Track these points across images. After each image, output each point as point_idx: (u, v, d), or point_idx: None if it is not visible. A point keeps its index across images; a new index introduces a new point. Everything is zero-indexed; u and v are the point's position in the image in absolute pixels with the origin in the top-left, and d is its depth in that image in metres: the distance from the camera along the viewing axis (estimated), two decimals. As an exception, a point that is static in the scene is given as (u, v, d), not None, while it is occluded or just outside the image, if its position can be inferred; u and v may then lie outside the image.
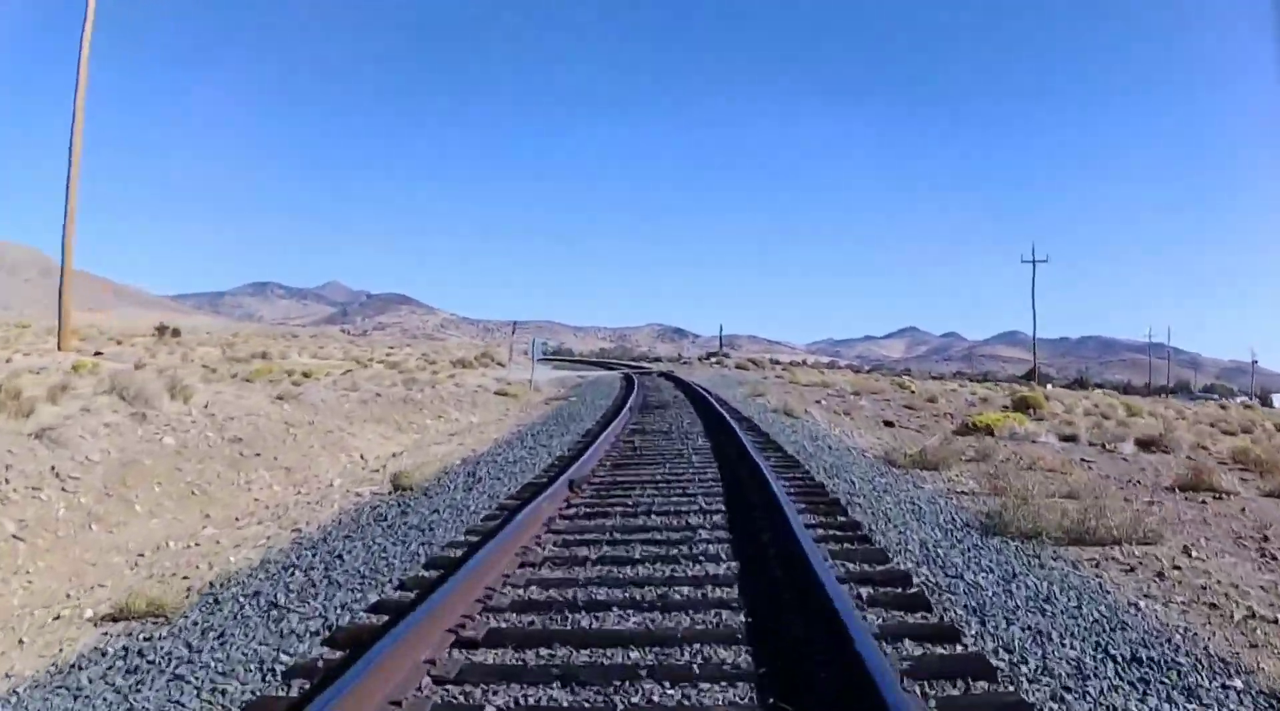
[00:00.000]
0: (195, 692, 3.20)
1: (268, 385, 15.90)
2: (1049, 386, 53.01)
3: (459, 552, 4.74)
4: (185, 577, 6.03)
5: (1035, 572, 5.09)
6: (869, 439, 14.66)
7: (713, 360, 62.27)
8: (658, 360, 77.91)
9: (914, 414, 22.55)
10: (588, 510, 5.83)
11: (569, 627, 3.43)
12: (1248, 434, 23.00)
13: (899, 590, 3.95)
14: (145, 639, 4.23)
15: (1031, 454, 13.03)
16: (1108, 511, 6.84)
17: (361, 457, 11.59)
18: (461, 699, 2.89)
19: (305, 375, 19.07)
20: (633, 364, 57.03)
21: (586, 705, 2.83)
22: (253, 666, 3.34)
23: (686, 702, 2.83)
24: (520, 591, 3.92)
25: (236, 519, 8.07)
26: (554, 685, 2.95)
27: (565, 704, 2.84)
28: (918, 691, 2.87)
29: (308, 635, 3.54)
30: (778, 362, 70.73)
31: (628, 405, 15.09)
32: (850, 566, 4.36)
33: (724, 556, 4.50)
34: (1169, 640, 4.24)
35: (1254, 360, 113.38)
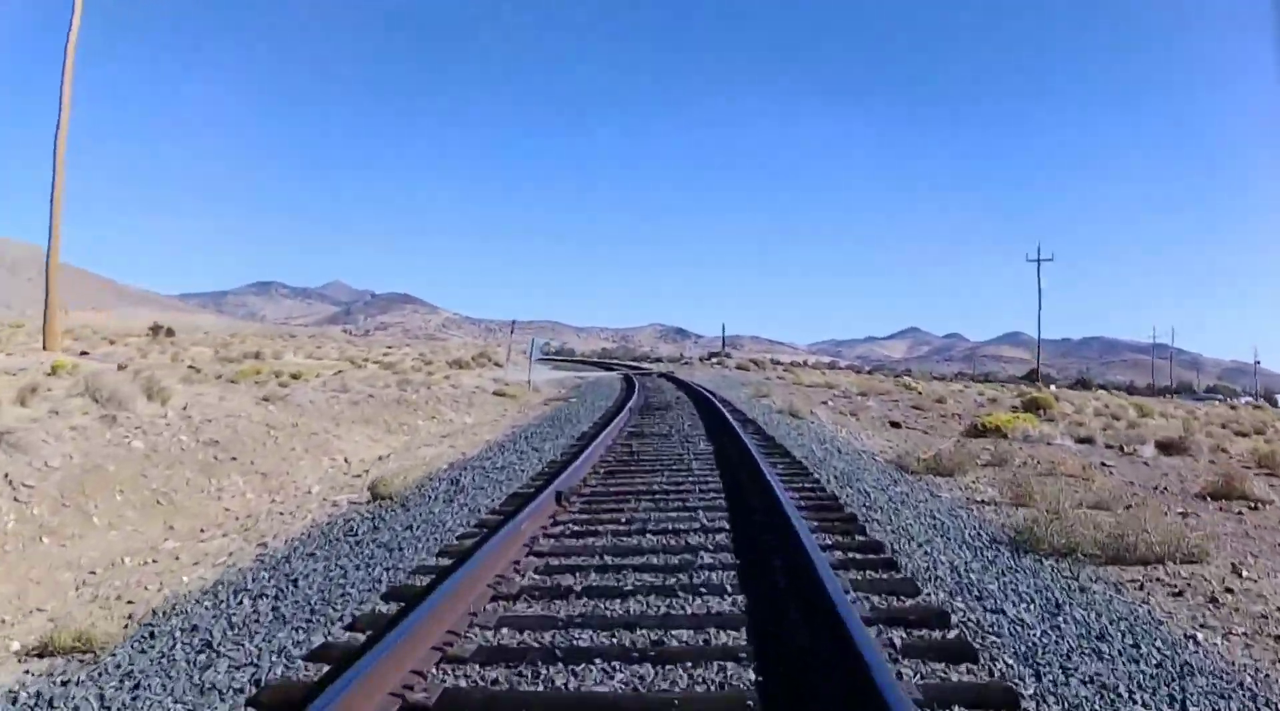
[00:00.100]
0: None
1: (254, 386, 15.33)
2: (1052, 387, 52.40)
3: (425, 581, 4.15)
4: (130, 602, 5.47)
5: (1079, 601, 4.51)
6: (878, 441, 14.07)
7: (714, 360, 61.67)
8: (659, 360, 77.29)
9: (921, 415, 21.99)
10: (576, 528, 5.23)
11: (541, 687, 2.83)
12: (1260, 435, 22.43)
13: (937, 634, 3.35)
14: (62, 682, 3.66)
15: (1049, 457, 12.45)
16: (1145, 524, 6.27)
17: (345, 461, 11.01)
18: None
19: (295, 376, 18.50)
20: (634, 364, 56.42)
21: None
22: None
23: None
24: (489, 635, 3.32)
25: (201, 531, 7.50)
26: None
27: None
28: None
29: (230, 691, 2.96)
30: (779, 363, 70.12)
31: (626, 407, 14.50)
32: (876, 601, 3.76)
33: (729, 588, 3.90)
34: (1241, 684, 3.67)
35: (1257, 361, 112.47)
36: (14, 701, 3.59)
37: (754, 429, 12.12)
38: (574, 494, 6.20)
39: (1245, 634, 4.53)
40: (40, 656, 4.40)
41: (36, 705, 3.42)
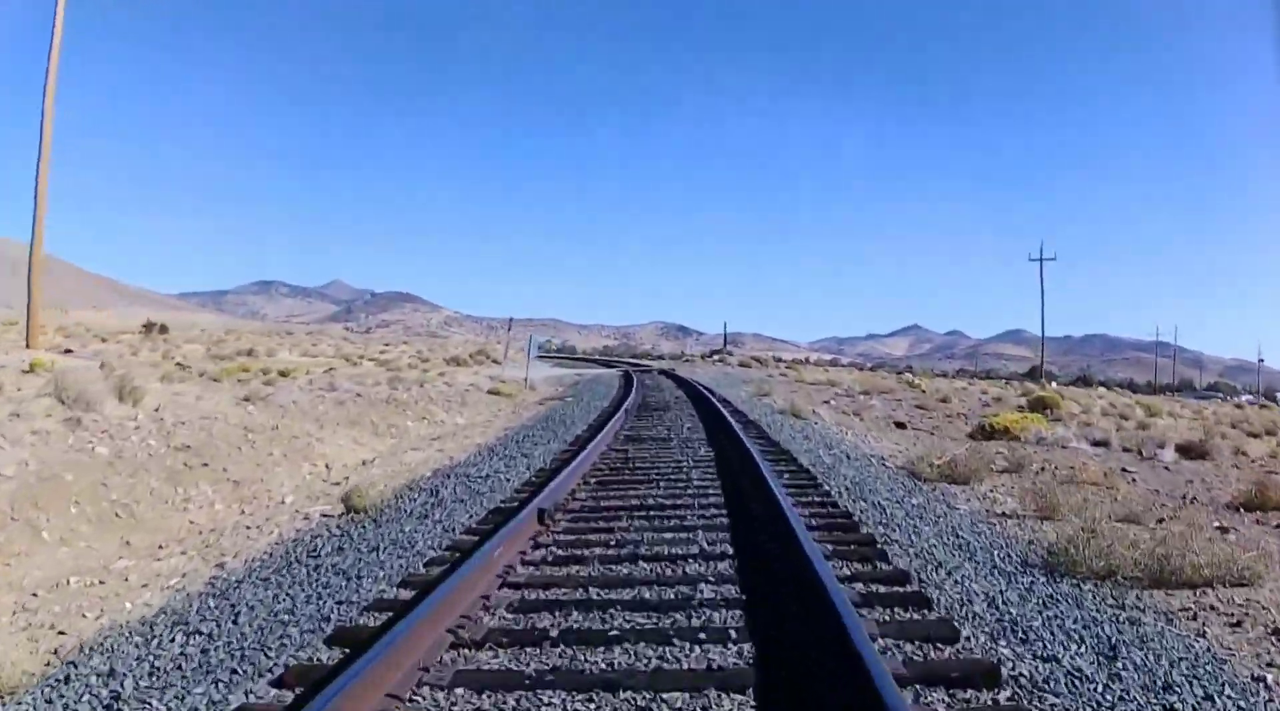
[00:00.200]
0: None
1: (237, 385, 14.76)
2: (1053, 384, 51.81)
3: (379, 619, 3.58)
4: (62, 632, 4.91)
5: (1133, 638, 3.94)
6: (886, 444, 13.49)
7: (716, 358, 61.08)
8: (661, 358, 76.71)
9: (926, 414, 21.43)
10: (559, 553, 4.62)
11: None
12: (1273, 436, 21.85)
13: (987, 697, 2.78)
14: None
15: (1066, 462, 11.88)
16: (1189, 542, 5.70)
17: (326, 467, 10.44)
18: None
19: (283, 374, 17.92)
20: (635, 362, 55.80)
21: None
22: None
23: None
24: (440, 697, 2.74)
25: (160, 547, 6.94)
26: None
27: None
28: None
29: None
30: (781, 360, 69.51)
31: (623, 407, 13.91)
32: (910, 650, 3.16)
33: (734, 633, 3.29)
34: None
35: (1261, 359, 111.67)
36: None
37: (756, 432, 11.55)
38: (560, 509, 5.60)
39: (1320, 674, 3.97)
40: (-57, 703, 3.85)
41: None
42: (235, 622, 3.91)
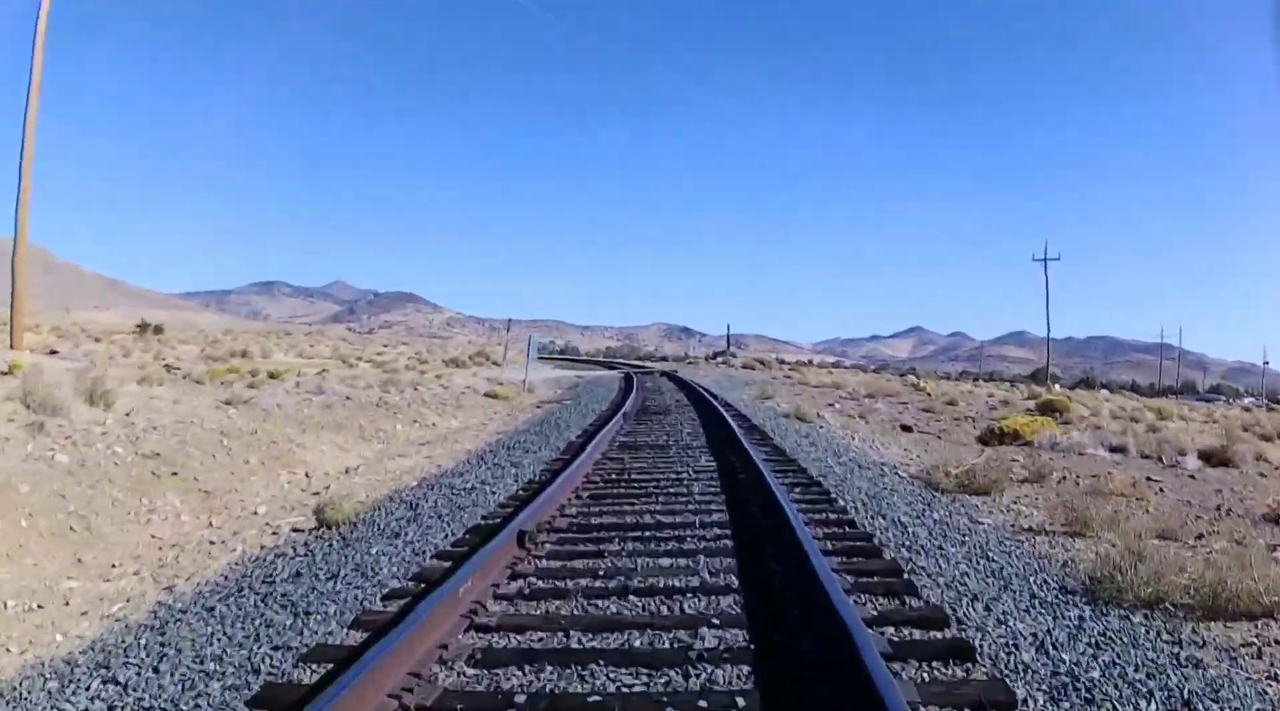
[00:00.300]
0: None
1: (220, 387, 14.21)
2: (1057, 386, 51.21)
3: (316, 673, 3.02)
4: (-22, 670, 4.35)
5: (1202, 686, 3.39)
6: (896, 450, 12.92)
7: (719, 359, 60.51)
8: (664, 359, 76.11)
9: (933, 418, 20.87)
10: (538, 585, 4.04)
11: None
12: (1285, 439, 21.24)
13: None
14: None
15: (1087, 470, 11.30)
16: (1243, 564, 5.14)
17: (306, 475, 9.89)
18: None
19: (272, 375, 17.38)
20: (637, 363, 55.18)
21: None
22: None
23: None
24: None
25: (113, 566, 6.39)
26: None
27: None
28: None
29: None
30: (784, 362, 68.92)
31: (621, 411, 13.34)
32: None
33: (742, 700, 2.72)
34: None
35: (1266, 361, 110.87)
36: None
37: (760, 437, 10.97)
38: (545, 530, 5.01)
39: None
40: None
41: None
42: (156, 671, 3.35)
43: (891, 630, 3.41)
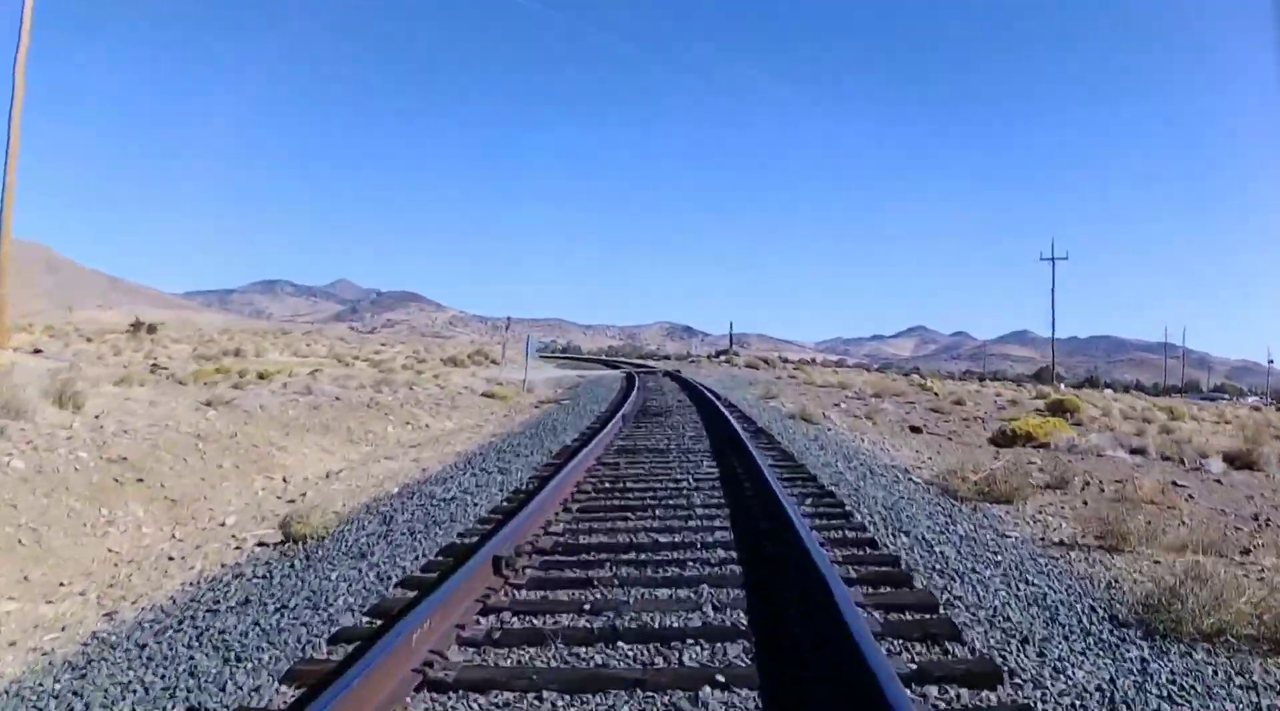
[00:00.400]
0: None
1: (203, 388, 13.67)
2: (1061, 385, 50.59)
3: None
4: None
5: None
6: (907, 453, 12.36)
7: (722, 358, 59.91)
8: (666, 358, 75.46)
9: (942, 418, 20.32)
10: (513, 625, 3.44)
11: None
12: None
13: None
14: None
15: (1110, 474, 10.74)
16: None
17: (284, 480, 9.35)
18: None
19: (262, 375, 16.84)
20: (639, 362, 54.58)
21: None
22: None
23: None
24: None
25: (61, 585, 5.84)
26: None
27: None
28: None
29: None
30: (787, 361, 68.25)
31: (620, 413, 12.79)
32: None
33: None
34: None
35: (1270, 360, 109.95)
36: None
37: (765, 440, 10.41)
38: (525, 552, 4.44)
39: None
40: None
41: None
42: (56, 727, 2.80)
43: (935, 691, 2.81)
